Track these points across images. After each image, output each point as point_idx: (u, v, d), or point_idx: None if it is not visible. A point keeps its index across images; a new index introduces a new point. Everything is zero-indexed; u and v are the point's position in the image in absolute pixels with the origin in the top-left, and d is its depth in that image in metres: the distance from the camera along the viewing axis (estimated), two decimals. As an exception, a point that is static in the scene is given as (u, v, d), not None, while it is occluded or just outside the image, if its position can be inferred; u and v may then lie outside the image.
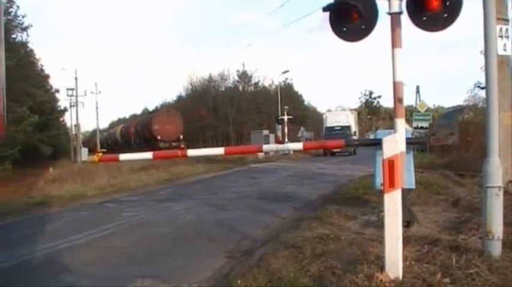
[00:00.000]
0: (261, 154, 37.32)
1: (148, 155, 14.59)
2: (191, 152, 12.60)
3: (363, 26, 7.24)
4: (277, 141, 45.55)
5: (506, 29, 9.81)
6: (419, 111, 30.49)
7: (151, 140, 45.37)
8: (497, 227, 5.70)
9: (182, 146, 11.68)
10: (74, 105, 56.11)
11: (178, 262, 7.80)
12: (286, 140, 46.22)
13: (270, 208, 12.97)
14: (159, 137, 44.77)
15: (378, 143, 7.67)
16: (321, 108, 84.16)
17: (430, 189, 12.74)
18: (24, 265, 8.08)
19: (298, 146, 16.14)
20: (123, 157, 14.24)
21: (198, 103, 72.24)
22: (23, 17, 40.47)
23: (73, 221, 12.82)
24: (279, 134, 51.23)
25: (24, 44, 42.50)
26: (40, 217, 13.77)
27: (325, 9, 7.36)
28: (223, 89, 78.03)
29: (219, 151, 13.85)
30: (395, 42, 7.12)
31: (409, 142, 8.45)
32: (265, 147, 19.72)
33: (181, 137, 46.33)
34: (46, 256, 8.59)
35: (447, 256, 5.79)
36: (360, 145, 19.68)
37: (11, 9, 38.44)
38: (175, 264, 7.68)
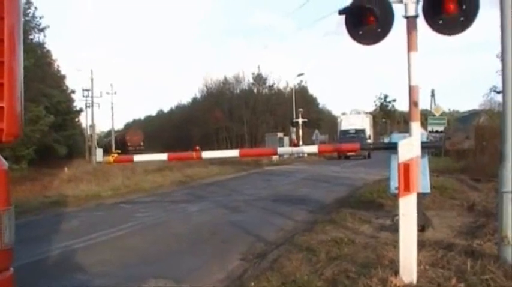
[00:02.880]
0: (275, 157, 37.29)
1: (163, 156, 14.58)
2: (206, 154, 12.51)
3: (379, 30, 7.19)
4: (293, 144, 45.54)
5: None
6: (434, 115, 30.26)
7: (124, 145, 62.71)
8: (513, 232, 5.66)
9: (197, 147, 11.64)
10: (89, 106, 57.05)
11: (192, 263, 7.83)
12: (300, 143, 46.16)
13: (284, 210, 12.96)
14: (128, 144, 65.26)
15: (393, 147, 7.64)
16: (335, 112, 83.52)
17: (445, 193, 12.68)
18: (39, 263, 8.16)
19: (313, 149, 16.06)
20: (137, 157, 14.29)
21: (213, 105, 72.49)
22: (40, 18, 41.06)
23: (88, 220, 12.90)
24: (294, 136, 51.18)
25: (41, 45, 43.06)
26: (55, 216, 13.89)
27: (341, 12, 7.32)
28: (238, 91, 78.06)
29: (234, 152, 13.83)
30: (411, 45, 7.07)
31: (425, 146, 8.41)
32: (280, 149, 19.67)
33: (142, 143, 67.54)
34: (61, 255, 8.68)
35: (462, 261, 5.77)
36: (374, 148, 19.63)
37: (28, 11, 38.93)
38: (189, 265, 7.71)
